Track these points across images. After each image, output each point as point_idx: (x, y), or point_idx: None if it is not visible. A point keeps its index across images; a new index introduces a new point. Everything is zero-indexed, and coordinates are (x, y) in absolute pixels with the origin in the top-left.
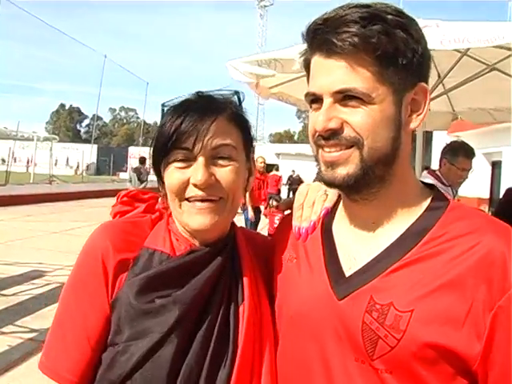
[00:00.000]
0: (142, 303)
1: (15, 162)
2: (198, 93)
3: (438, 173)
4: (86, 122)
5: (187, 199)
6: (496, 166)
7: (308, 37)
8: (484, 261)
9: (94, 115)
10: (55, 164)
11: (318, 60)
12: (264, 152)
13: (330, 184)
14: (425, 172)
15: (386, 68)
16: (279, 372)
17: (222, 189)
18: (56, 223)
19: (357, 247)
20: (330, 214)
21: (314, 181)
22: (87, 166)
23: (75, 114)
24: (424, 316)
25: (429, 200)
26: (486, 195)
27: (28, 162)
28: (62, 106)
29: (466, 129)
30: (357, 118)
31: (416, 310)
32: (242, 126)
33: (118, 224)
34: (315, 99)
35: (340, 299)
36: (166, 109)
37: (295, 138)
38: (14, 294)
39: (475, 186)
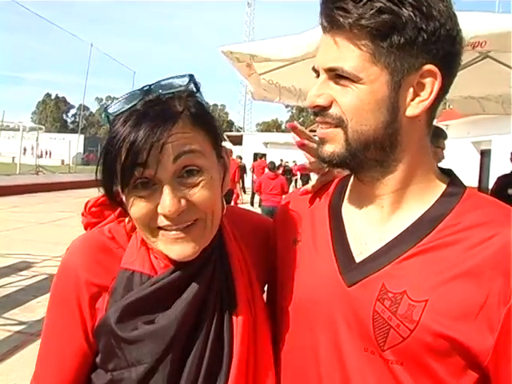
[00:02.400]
0: (126, 331)
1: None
2: (144, 91)
3: None
4: (73, 111)
5: (159, 227)
6: (485, 154)
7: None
8: (501, 253)
9: (80, 105)
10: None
11: (322, 35)
12: (252, 141)
13: (321, 159)
14: None
15: (379, 47)
16: (284, 359)
17: (198, 210)
18: (43, 214)
19: (368, 231)
20: (337, 193)
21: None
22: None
23: (61, 104)
24: (439, 307)
25: (444, 186)
26: (475, 184)
27: None
28: (48, 95)
29: (454, 117)
30: (345, 98)
31: (430, 300)
32: (206, 123)
33: (93, 243)
34: (318, 74)
35: (349, 286)
36: (111, 117)
37: (283, 127)
38: (1, 286)
39: (463, 174)
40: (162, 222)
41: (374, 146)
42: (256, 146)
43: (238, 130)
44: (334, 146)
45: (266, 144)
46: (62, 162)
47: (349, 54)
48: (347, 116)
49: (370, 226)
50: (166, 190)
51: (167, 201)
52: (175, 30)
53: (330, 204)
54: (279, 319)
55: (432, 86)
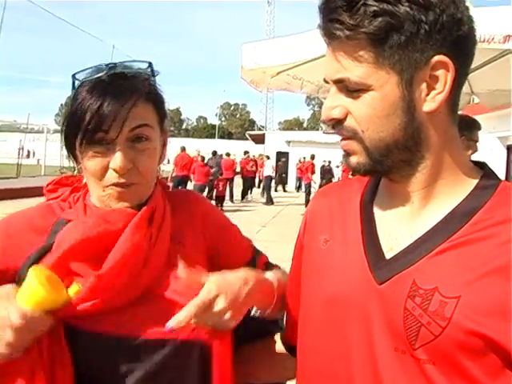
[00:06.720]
0: None
1: (28, 156)
2: (110, 67)
3: None
4: None
5: (108, 185)
6: None
7: None
8: None
9: None
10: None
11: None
12: (274, 140)
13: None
14: None
15: (381, 51)
16: (310, 357)
17: (139, 174)
18: None
19: (399, 226)
20: (370, 189)
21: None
22: None
23: None
24: (471, 304)
25: (477, 179)
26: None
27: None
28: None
29: (480, 112)
30: (358, 109)
31: (463, 296)
32: (158, 102)
33: (21, 211)
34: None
35: (380, 283)
36: (76, 82)
37: (304, 125)
38: None
39: None
40: (111, 178)
41: (396, 149)
42: (278, 145)
43: (259, 129)
44: (357, 157)
45: (288, 142)
46: None
47: (352, 64)
48: (362, 127)
49: (400, 222)
50: (120, 150)
51: (119, 158)
52: (196, 31)
53: (362, 200)
54: (304, 317)
55: (445, 76)
